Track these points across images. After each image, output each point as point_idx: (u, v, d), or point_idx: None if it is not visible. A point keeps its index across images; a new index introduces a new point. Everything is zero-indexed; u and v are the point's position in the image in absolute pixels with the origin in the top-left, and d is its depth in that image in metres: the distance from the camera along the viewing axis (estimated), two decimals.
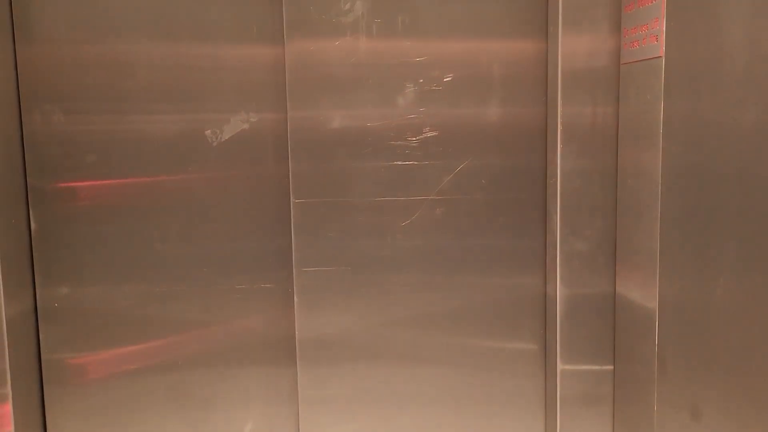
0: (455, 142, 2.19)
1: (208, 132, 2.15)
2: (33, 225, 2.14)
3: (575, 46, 2.03)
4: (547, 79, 2.15)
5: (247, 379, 2.28)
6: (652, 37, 1.80)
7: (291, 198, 2.19)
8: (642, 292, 1.92)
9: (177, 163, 2.17)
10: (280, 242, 2.21)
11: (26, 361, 2.16)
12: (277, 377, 2.28)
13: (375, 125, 2.18)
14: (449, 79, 2.16)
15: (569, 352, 2.13)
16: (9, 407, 2.02)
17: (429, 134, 2.18)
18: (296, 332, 2.24)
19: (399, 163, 2.19)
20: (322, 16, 2.13)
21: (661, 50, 1.76)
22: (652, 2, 1.81)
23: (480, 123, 2.19)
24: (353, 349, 2.27)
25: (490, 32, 2.16)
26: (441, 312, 2.26)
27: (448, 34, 2.15)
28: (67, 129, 2.13)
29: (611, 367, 2.14)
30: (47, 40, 2.09)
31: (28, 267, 2.17)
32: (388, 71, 2.16)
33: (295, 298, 2.23)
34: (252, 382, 2.28)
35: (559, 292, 2.12)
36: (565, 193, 2.09)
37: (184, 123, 2.16)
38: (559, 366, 2.14)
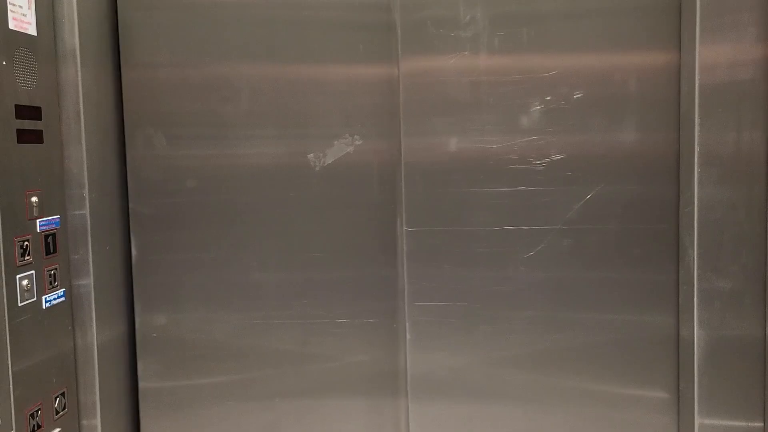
0: (585, 166, 2.01)
1: (310, 156, 2.07)
2: (134, 251, 2.11)
3: (715, 57, 1.84)
4: (680, 95, 1.96)
5: (347, 419, 2.15)
6: None
7: (403, 226, 2.07)
8: None
9: (278, 188, 2.09)
10: (385, 272, 2.09)
11: (118, 391, 2.11)
12: (381, 415, 2.14)
13: (496, 148, 2.03)
14: (579, 95, 1.98)
15: (709, 404, 1.92)
16: None
17: (556, 157, 2.01)
18: (407, 371, 2.10)
19: (522, 188, 2.03)
20: (440, 30, 2.01)
21: None
22: None
23: (612, 144, 2.00)
24: (466, 391, 2.10)
25: (626, 44, 1.98)
26: (562, 352, 2.07)
27: (578, 47, 1.98)
28: (169, 153, 2.09)
29: (761, 424, 1.92)
30: (151, 65, 2.07)
31: (124, 295, 2.14)
32: (512, 88, 2.00)
33: (407, 335, 2.09)
34: (352, 422, 2.15)
35: (697, 334, 1.91)
36: (704, 224, 1.89)
37: (287, 147, 2.08)
38: (698, 420, 1.93)
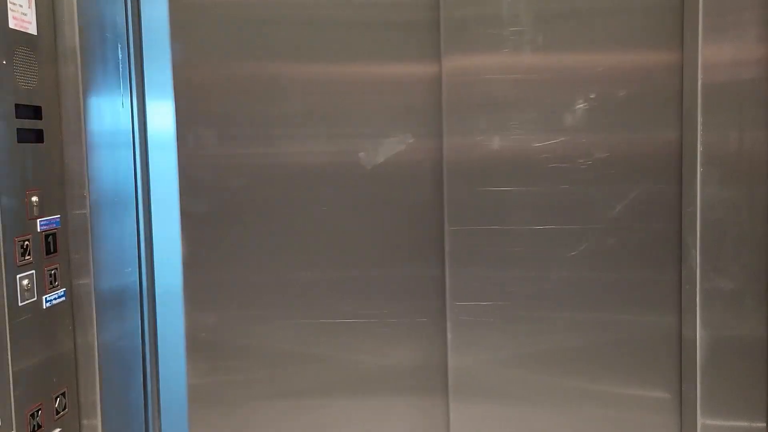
0: (629, 164, 1.98)
1: (361, 154, 2.05)
2: (183, 250, 2.09)
3: (717, 56, 1.83)
4: (683, 94, 1.94)
5: (390, 418, 2.13)
6: None
7: (445, 225, 2.05)
8: None
9: (324, 187, 2.08)
10: (427, 272, 2.08)
11: (120, 390, 2.09)
12: (423, 414, 2.12)
13: (539, 146, 2.01)
14: (624, 93, 1.96)
15: (711, 405, 1.91)
16: None
17: (600, 155, 1.99)
18: (449, 370, 2.08)
19: (565, 187, 2.01)
20: (483, 28, 1.99)
21: None
22: None
23: (656, 143, 1.98)
24: (507, 390, 2.09)
25: (676, 41, 1.95)
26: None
27: (625, 44, 1.96)
28: (219, 152, 2.08)
29: (763, 424, 1.90)
30: (201, 64, 2.06)
31: (132, 293, 2.12)
32: (555, 86, 1.98)
33: (448, 334, 2.07)
34: (396, 420, 2.13)
35: (699, 334, 1.89)
36: (706, 224, 1.87)
37: (331, 146, 2.06)
38: (700, 420, 1.91)
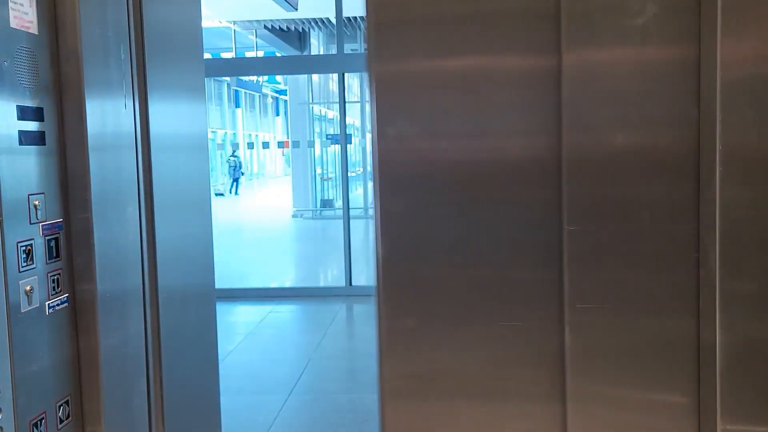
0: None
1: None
2: (380, 249, 2.01)
3: (737, 52, 1.76)
4: (700, 91, 1.88)
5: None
6: None
7: (564, 225, 1.96)
8: None
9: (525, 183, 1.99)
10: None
11: (123, 396, 2.05)
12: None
13: (666, 143, 1.92)
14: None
15: (732, 410, 1.84)
16: None
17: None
18: (567, 375, 1.99)
19: (690, 185, 1.91)
20: (606, 20, 1.90)
21: None
22: None
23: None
24: (621, 399, 2.01)
25: None
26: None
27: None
28: (418, 147, 2.01)
29: None
30: (401, 60, 2.00)
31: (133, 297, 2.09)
32: (682, 80, 1.89)
33: (566, 338, 2.00)
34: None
35: (719, 338, 1.84)
36: (726, 225, 1.82)
37: (541, 141, 1.97)
38: (720, 425, 1.85)
